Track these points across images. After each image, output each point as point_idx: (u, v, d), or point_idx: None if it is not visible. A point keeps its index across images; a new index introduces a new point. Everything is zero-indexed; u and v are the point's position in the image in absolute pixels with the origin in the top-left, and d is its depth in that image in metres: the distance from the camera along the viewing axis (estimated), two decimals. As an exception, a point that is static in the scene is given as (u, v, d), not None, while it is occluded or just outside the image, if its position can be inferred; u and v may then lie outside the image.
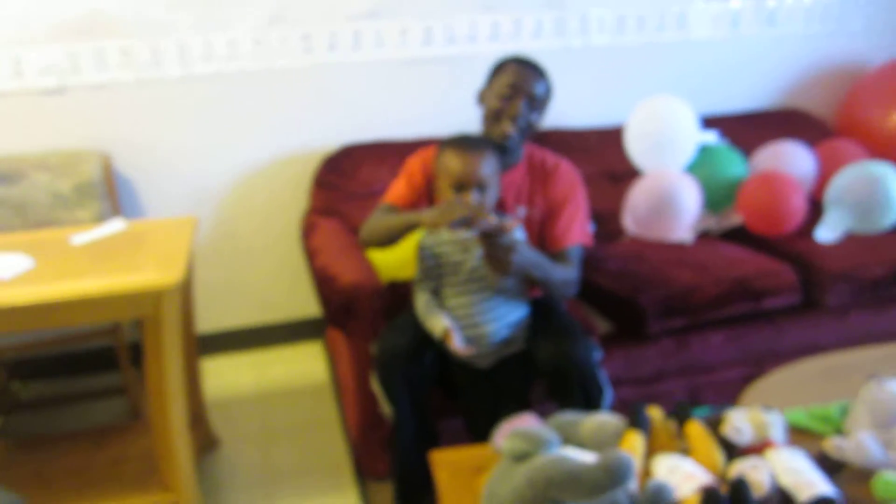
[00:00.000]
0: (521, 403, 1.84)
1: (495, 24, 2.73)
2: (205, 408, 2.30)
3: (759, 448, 1.32)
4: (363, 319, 1.96)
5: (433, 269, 1.86)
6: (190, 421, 2.03)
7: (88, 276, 1.73)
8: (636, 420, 1.34)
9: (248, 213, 2.75)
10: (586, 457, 1.20)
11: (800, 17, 2.99)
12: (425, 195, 1.95)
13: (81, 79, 2.47)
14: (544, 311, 1.92)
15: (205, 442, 2.27)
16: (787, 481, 1.21)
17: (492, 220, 1.63)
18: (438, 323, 1.79)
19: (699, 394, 2.26)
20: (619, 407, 1.72)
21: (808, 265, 2.33)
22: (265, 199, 2.75)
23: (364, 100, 2.72)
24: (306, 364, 2.79)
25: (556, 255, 1.90)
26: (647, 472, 1.29)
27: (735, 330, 2.25)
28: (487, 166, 1.78)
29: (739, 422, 1.33)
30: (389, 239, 1.85)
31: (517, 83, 1.86)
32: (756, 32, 2.97)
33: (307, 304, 2.86)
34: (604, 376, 1.82)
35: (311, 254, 2.26)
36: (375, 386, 1.84)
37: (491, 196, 1.79)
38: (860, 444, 1.30)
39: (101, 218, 2.43)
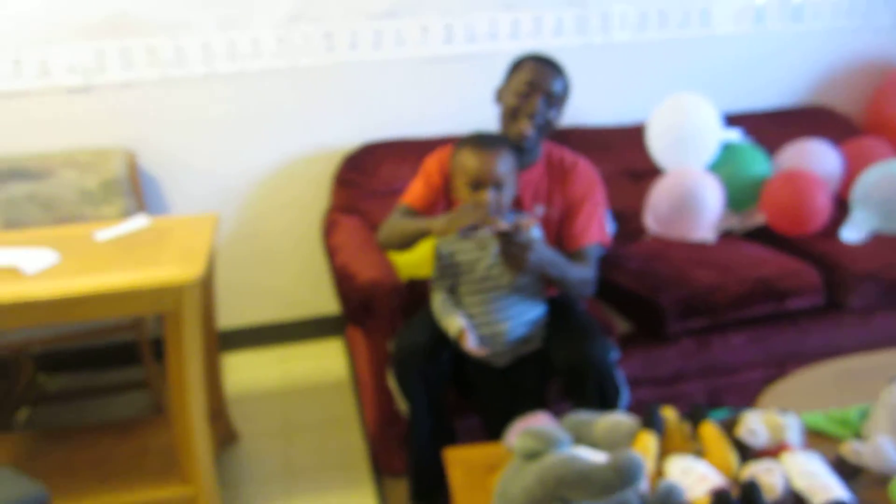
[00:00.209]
0: (536, 402, 1.84)
1: (516, 22, 2.72)
2: (225, 402, 2.32)
3: (774, 451, 1.31)
4: (381, 317, 1.98)
5: (449, 268, 1.87)
6: (210, 415, 2.06)
7: (111, 272, 1.76)
8: (650, 421, 1.33)
9: (270, 210, 2.78)
10: (598, 456, 1.20)
11: (826, 12, 2.94)
12: (443, 195, 1.96)
13: (107, 77, 2.51)
14: (562, 310, 1.91)
15: (225, 436, 2.29)
16: (802, 485, 1.20)
17: (500, 224, 1.63)
18: (453, 322, 1.79)
19: (720, 395, 2.24)
20: (638, 408, 1.70)
21: (833, 266, 2.29)
22: (288, 196, 2.77)
23: (385, 98, 2.73)
24: (327, 360, 2.81)
25: (574, 254, 1.89)
26: (659, 473, 1.29)
27: (757, 331, 2.22)
28: (503, 164, 1.77)
29: (754, 424, 1.32)
30: (404, 244, 1.89)
31: (534, 80, 1.86)
32: (781, 28, 2.93)
33: (329, 301, 2.88)
34: (621, 376, 1.81)
35: (331, 251, 2.28)
36: (392, 383, 1.85)
37: (507, 194, 1.79)
38: (878, 448, 1.28)
39: (126, 214, 2.47)
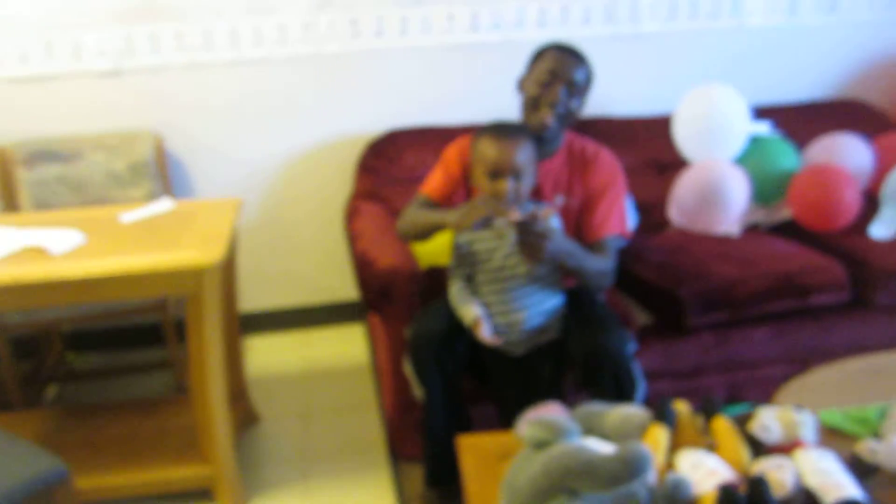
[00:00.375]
0: (552, 392, 1.84)
1: (543, 10, 2.70)
2: (246, 384, 2.36)
3: (787, 448, 1.29)
4: (399, 304, 1.99)
5: (467, 257, 1.87)
6: (231, 397, 2.09)
7: (134, 253, 1.79)
8: (661, 414, 1.32)
9: (295, 196, 2.80)
10: (606, 448, 1.20)
11: (863, 4, 2.87)
12: (462, 185, 1.96)
13: (136, 62, 2.55)
14: (580, 300, 1.90)
15: (245, 418, 2.33)
16: (814, 482, 1.19)
17: (517, 214, 1.62)
18: (469, 312, 1.80)
19: (740, 390, 2.22)
20: (656, 400, 1.69)
21: (860, 262, 2.25)
22: (312, 182, 2.79)
23: (410, 85, 2.73)
24: (348, 346, 2.84)
25: (593, 245, 1.88)
26: (670, 467, 1.28)
27: (779, 326, 2.20)
28: (523, 154, 1.77)
29: (768, 420, 1.31)
30: (421, 235, 1.91)
31: (556, 69, 1.84)
32: (815, 20, 2.87)
33: (352, 287, 2.91)
34: (638, 369, 1.81)
35: (352, 238, 2.30)
36: (407, 369, 1.86)
37: (526, 184, 1.78)
38: (894, 447, 1.26)
39: (152, 197, 2.51)
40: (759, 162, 2.49)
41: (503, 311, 1.82)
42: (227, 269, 2.13)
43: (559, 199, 1.92)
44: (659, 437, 1.29)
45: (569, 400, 1.74)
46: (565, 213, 1.91)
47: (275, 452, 2.24)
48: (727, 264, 2.20)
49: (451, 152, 1.99)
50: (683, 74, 2.82)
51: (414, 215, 1.94)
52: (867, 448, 1.29)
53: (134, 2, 2.47)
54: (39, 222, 2.01)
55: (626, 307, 2.13)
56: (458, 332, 1.83)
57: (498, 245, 1.83)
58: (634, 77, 2.84)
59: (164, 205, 2.12)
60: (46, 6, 2.44)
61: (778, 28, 2.86)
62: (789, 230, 2.46)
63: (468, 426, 1.93)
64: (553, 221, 1.82)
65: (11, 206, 2.49)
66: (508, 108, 1.99)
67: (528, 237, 1.64)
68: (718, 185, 2.39)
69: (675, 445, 1.32)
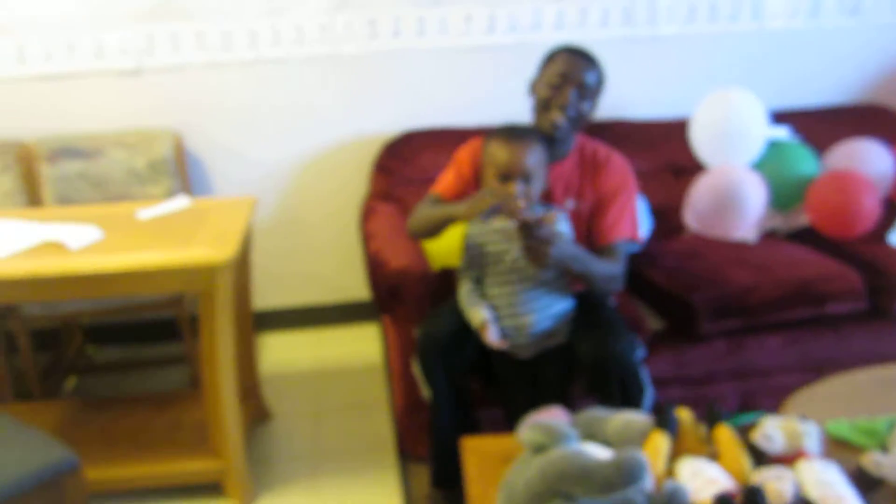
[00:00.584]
0: (559, 397, 1.83)
1: (560, 13, 2.70)
2: (259, 381, 2.38)
3: (790, 458, 1.28)
4: (409, 304, 2.00)
5: (477, 259, 1.87)
6: (243, 393, 2.12)
7: (149, 249, 1.83)
8: (663, 421, 1.32)
9: (312, 195, 2.82)
10: (604, 453, 1.20)
11: (886, 6, 2.82)
12: (473, 186, 1.96)
13: (157, 61, 2.58)
14: (589, 305, 1.90)
15: (257, 414, 2.35)
16: (815, 494, 1.17)
17: (522, 203, 1.62)
18: (477, 314, 1.80)
19: (753, 399, 2.20)
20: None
21: (878, 270, 2.22)
22: (329, 182, 2.81)
23: (427, 86, 2.74)
24: (362, 345, 2.85)
25: (603, 249, 1.88)
26: (670, 474, 1.28)
27: (794, 334, 2.17)
28: (533, 157, 1.77)
29: (771, 430, 1.30)
30: (432, 231, 1.90)
31: (567, 72, 1.84)
32: (838, 23, 2.83)
33: (366, 287, 2.90)
34: (646, 375, 1.80)
35: (366, 238, 2.31)
36: (416, 370, 1.87)
37: (536, 187, 1.78)
38: (899, 460, 1.24)
39: (171, 194, 2.55)
40: (777, 167, 2.46)
41: (511, 314, 1.82)
42: (241, 266, 2.16)
43: (570, 203, 1.92)
44: (659, 444, 1.29)
45: (576, 404, 1.74)
46: (576, 216, 1.91)
47: (285, 449, 2.27)
48: (742, 271, 2.18)
49: (464, 153, 1.99)
50: (702, 78, 2.80)
51: (424, 211, 1.94)
52: (872, 460, 1.27)
53: (155, 2, 2.51)
54: (59, 217, 2.05)
55: (638, 312, 2.12)
56: (467, 334, 1.84)
57: (508, 248, 1.83)
58: (652, 80, 2.83)
59: (180, 202, 2.15)
60: (70, 6, 2.48)
61: (799, 31, 2.82)
62: (807, 237, 2.43)
63: (475, 428, 1.93)
64: (562, 226, 1.82)
65: (34, 200, 2.54)
66: (525, 110, 1.99)
67: (532, 241, 1.64)
68: (735, 191, 2.37)
69: (676, 453, 1.32)
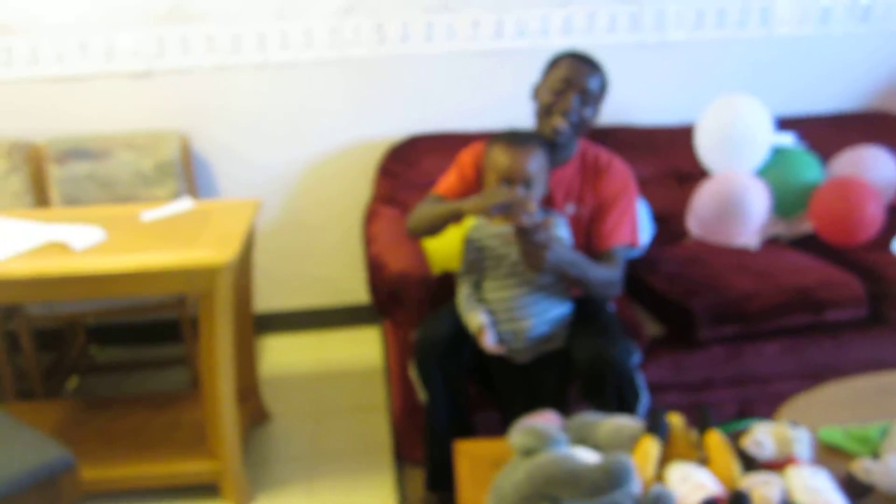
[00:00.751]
0: (555, 401, 1.83)
1: (568, 18, 2.70)
2: (259, 383, 2.40)
3: (780, 464, 1.28)
4: (408, 308, 2.00)
5: (476, 262, 1.88)
6: (242, 395, 2.13)
7: (150, 251, 1.84)
8: (654, 426, 1.32)
9: (317, 199, 2.84)
10: (593, 458, 1.20)
11: (896, 14, 2.82)
12: (475, 189, 1.96)
13: (166, 63, 2.61)
14: (587, 310, 1.90)
15: (256, 416, 2.37)
16: (803, 500, 1.17)
17: (531, 208, 1.62)
18: (475, 319, 1.81)
19: (751, 405, 2.19)
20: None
21: (880, 278, 2.20)
22: (335, 186, 2.83)
23: (434, 91, 2.75)
24: (363, 348, 2.86)
25: (602, 254, 1.88)
26: (659, 479, 1.27)
27: (793, 341, 2.16)
28: (535, 162, 1.77)
29: (761, 436, 1.29)
30: (434, 227, 1.89)
31: (570, 77, 1.84)
32: (847, 30, 2.81)
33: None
34: (641, 380, 1.79)
35: (368, 241, 2.32)
36: (412, 373, 1.88)
37: (537, 192, 1.79)
38: (889, 467, 1.23)
39: (177, 196, 2.57)
40: (781, 173, 2.45)
41: (509, 318, 1.83)
42: (243, 268, 2.18)
43: (570, 208, 1.92)
44: (649, 449, 1.29)
45: (573, 409, 1.73)
46: (576, 221, 1.91)
47: (283, 451, 2.28)
48: (742, 277, 2.17)
49: (467, 156, 2.00)
50: (709, 84, 2.80)
51: (427, 208, 1.92)
52: (862, 467, 1.27)
53: (166, 5, 2.54)
54: (64, 218, 2.07)
55: (637, 318, 2.12)
56: (464, 338, 1.84)
57: (507, 252, 1.83)
58: (659, 86, 2.82)
59: (184, 204, 2.18)
60: (83, 9, 2.51)
61: (807, 37, 2.81)
62: (810, 244, 2.42)
63: (471, 432, 1.93)
64: (561, 231, 1.82)
65: (42, 201, 2.57)
66: (531, 115, 2.00)
67: (529, 247, 1.65)
68: (738, 197, 2.36)
69: (667, 458, 1.32)
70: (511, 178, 1.76)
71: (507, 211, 1.64)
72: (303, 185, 2.81)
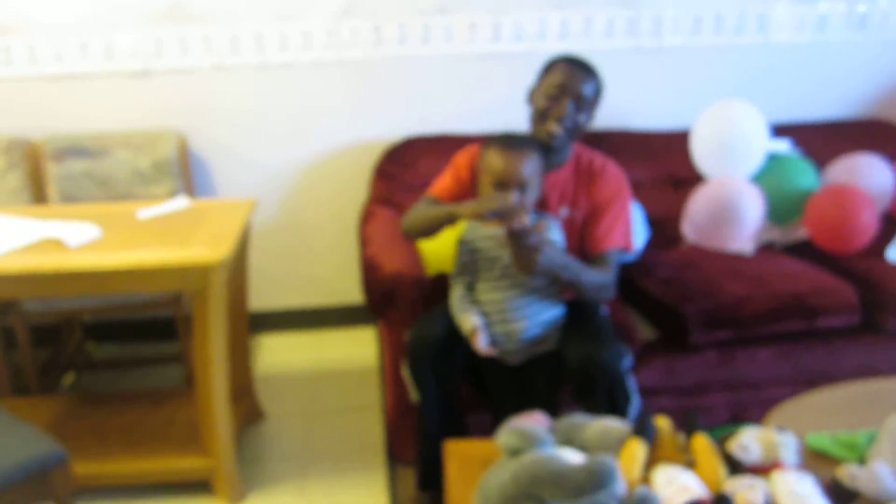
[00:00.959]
0: (546, 403, 1.84)
1: (565, 22, 2.71)
2: (253, 381, 2.40)
3: (766, 469, 1.28)
4: (402, 309, 2.01)
5: (469, 264, 1.89)
6: (236, 393, 2.14)
7: (145, 249, 1.85)
8: (641, 428, 1.33)
9: (314, 199, 2.85)
10: (578, 458, 1.21)
11: (894, 22, 2.81)
12: (470, 191, 1.96)
13: (165, 63, 2.62)
14: (580, 313, 1.91)
15: (251, 414, 2.37)
16: (787, 504, 1.18)
17: (525, 219, 1.63)
18: (467, 320, 1.82)
19: (744, 410, 2.19)
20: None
21: (873, 285, 2.21)
22: (331, 186, 2.84)
23: (431, 93, 2.76)
24: (359, 348, 2.87)
25: (595, 258, 1.88)
26: (645, 481, 1.28)
27: (786, 347, 2.16)
28: (529, 166, 1.78)
29: (748, 440, 1.30)
30: (428, 229, 1.89)
31: (565, 83, 1.85)
32: (844, 37, 2.82)
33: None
34: (632, 384, 1.80)
35: (363, 242, 2.33)
36: (405, 373, 1.89)
37: (531, 196, 1.79)
38: (874, 473, 1.24)
39: (174, 195, 2.58)
40: (776, 180, 2.46)
41: (502, 319, 1.84)
42: (237, 267, 2.18)
43: (563, 211, 1.93)
44: (636, 451, 1.29)
45: (564, 411, 1.74)
46: (570, 224, 1.92)
47: (276, 449, 2.28)
48: (735, 282, 2.18)
49: (462, 158, 2.00)
50: (705, 90, 2.81)
51: (422, 210, 1.93)
52: (848, 473, 1.27)
53: (164, 5, 2.55)
54: (60, 215, 2.08)
55: (630, 321, 2.13)
56: (457, 339, 1.85)
57: (500, 254, 1.84)
58: (655, 91, 2.83)
59: (180, 203, 2.18)
60: (81, 8, 2.53)
61: (804, 44, 2.82)
62: (805, 250, 2.42)
63: (463, 432, 1.94)
64: (554, 234, 1.83)
65: (40, 198, 2.58)
66: (527, 119, 2.02)
67: (521, 250, 1.65)
68: (732, 203, 2.37)
69: (653, 460, 1.32)
70: (506, 182, 1.77)
71: (500, 217, 1.65)
72: (300, 186, 2.82)
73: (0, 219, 2.03)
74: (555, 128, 1.85)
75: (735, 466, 1.31)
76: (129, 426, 2.14)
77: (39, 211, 2.21)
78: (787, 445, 1.30)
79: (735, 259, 2.34)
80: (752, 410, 2.18)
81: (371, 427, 2.38)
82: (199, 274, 1.82)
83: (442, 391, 1.86)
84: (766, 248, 2.46)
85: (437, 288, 2.08)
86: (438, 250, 2.26)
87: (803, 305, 2.12)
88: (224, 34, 2.60)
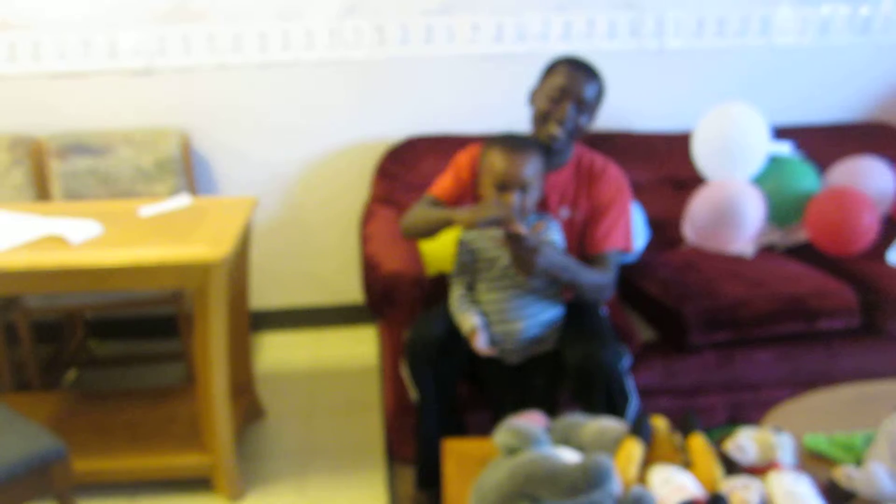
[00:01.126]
0: (545, 403, 1.84)
1: (567, 24, 2.72)
2: (254, 379, 2.41)
3: (763, 469, 1.29)
4: (401, 308, 2.02)
5: (469, 264, 1.89)
6: (237, 390, 2.15)
7: (146, 246, 1.86)
8: (637, 428, 1.33)
9: (316, 198, 2.86)
10: (574, 458, 1.21)
11: None
12: (470, 191, 1.97)
13: (168, 61, 2.63)
14: (580, 312, 1.91)
15: (251, 412, 2.38)
16: (782, 505, 1.18)
17: (520, 228, 1.63)
18: (467, 320, 1.82)
19: (743, 411, 2.20)
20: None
21: (874, 288, 2.21)
22: (333, 185, 2.85)
23: (433, 93, 2.77)
24: (360, 347, 2.88)
25: (594, 258, 1.89)
26: (642, 481, 1.28)
27: (785, 349, 2.17)
28: (531, 168, 1.78)
29: (744, 440, 1.31)
30: (426, 232, 1.90)
31: (566, 86, 1.85)
32: (847, 41, 2.82)
33: (366, 289, 2.95)
34: (631, 384, 1.80)
35: (364, 241, 2.34)
36: (404, 372, 1.89)
37: (532, 197, 1.80)
38: (871, 475, 1.24)
39: (177, 193, 2.59)
40: (777, 182, 2.46)
41: (501, 319, 1.84)
42: (239, 265, 2.19)
43: (563, 212, 1.93)
44: (632, 451, 1.30)
45: (563, 411, 1.74)
46: (570, 225, 1.92)
47: (276, 447, 2.29)
48: (735, 284, 2.18)
49: (463, 158, 2.01)
50: (707, 92, 2.81)
51: (421, 212, 1.93)
52: (844, 474, 1.28)
53: (168, 4, 2.56)
54: (63, 212, 2.09)
55: (629, 322, 2.13)
56: (457, 338, 1.85)
57: (500, 254, 1.85)
58: (657, 93, 2.84)
59: (181, 200, 2.19)
60: (85, 6, 2.54)
61: (806, 48, 2.82)
62: (806, 253, 2.42)
63: (461, 431, 1.95)
64: (554, 234, 1.84)
65: (43, 195, 2.59)
66: (529, 119, 2.02)
67: (520, 251, 1.66)
68: (733, 204, 2.37)
69: (650, 460, 1.33)
70: (507, 183, 1.77)
71: (496, 225, 1.66)
72: (302, 185, 2.83)
73: (3, 215, 2.04)
74: (556, 130, 1.85)
75: (732, 467, 1.31)
76: (130, 423, 2.15)
77: (42, 208, 2.22)
78: (784, 446, 1.30)
79: (735, 261, 2.35)
80: (750, 412, 2.18)
81: (371, 426, 2.39)
82: (199, 272, 1.82)
83: (441, 390, 1.86)
84: (766, 250, 2.47)
85: (437, 287, 2.09)
86: (438, 250, 2.27)
87: (803, 307, 2.12)
88: (227, 33, 2.61)
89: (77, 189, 2.59)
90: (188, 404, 2.22)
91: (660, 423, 1.37)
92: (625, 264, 2.19)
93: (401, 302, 2.00)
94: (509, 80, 2.73)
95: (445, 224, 1.85)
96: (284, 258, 2.91)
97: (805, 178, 2.47)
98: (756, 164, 2.48)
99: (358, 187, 2.83)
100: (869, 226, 2.31)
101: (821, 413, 1.64)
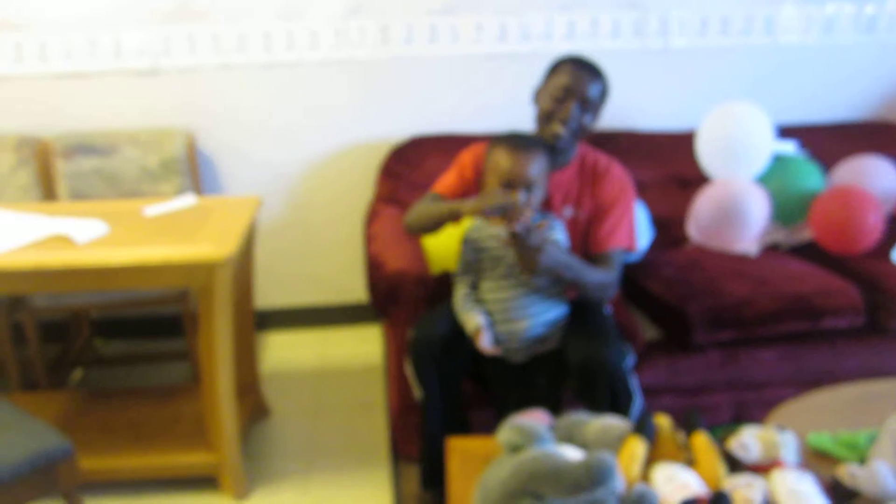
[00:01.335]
0: (549, 401, 1.85)
1: (571, 23, 2.72)
2: (259, 378, 2.42)
3: (766, 467, 1.29)
4: (405, 306, 2.02)
5: (473, 263, 1.90)
6: (241, 389, 2.16)
7: (151, 245, 1.87)
8: (641, 426, 1.33)
9: (320, 197, 2.86)
10: (578, 455, 1.22)
11: (900, 24, 2.82)
12: (474, 189, 1.98)
13: (173, 61, 2.64)
14: (584, 311, 1.91)
15: (256, 411, 2.39)
16: (786, 503, 1.18)
17: (526, 216, 1.64)
18: (471, 320, 1.82)
19: (747, 410, 2.20)
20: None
21: (878, 287, 2.21)
22: (338, 185, 2.85)
23: (437, 93, 2.77)
24: (364, 346, 2.89)
25: (598, 257, 1.89)
26: (645, 479, 1.29)
27: (790, 348, 2.17)
28: (536, 167, 1.78)
29: (748, 439, 1.31)
30: (431, 226, 1.90)
31: (571, 86, 1.85)
32: (851, 40, 2.82)
33: (370, 289, 2.96)
34: (635, 383, 1.81)
35: (368, 240, 2.34)
36: (408, 370, 1.90)
37: (537, 196, 1.80)
38: (874, 473, 1.24)
39: (182, 192, 2.60)
40: (781, 181, 2.46)
41: (505, 318, 1.84)
42: (243, 265, 2.20)
43: (567, 211, 1.94)
44: (636, 448, 1.30)
45: (567, 409, 1.75)
46: (574, 224, 1.93)
47: (281, 446, 2.30)
48: (739, 283, 2.18)
49: (467, 157, 2.01)
50: (712, 91, 2.81)
51: (425, 206, 1.93)
52: (848, 472, 1.28)
53: (172, 4, 2.57)
54: (68, 212, 2.10)
55: (633, 321, 2.13)
56: (461, 337, 1.86)
57: (504, 253, 1.85)
58: (662, 92, 2.84)
59: (186, 200, 2.20)
60: (90, 6, 2.55)
61: (811, 46, 2.82)
62: (810, 252, 2.42)
63: (466, 430, 1.95)
64: (558, 233, 1.84)
65: (49, 195, 2.60)
66: (533, 118, 2.03)
67: (523, 250, 1.66)
68: (737, 203, 2.37)
69: (653, 458, 1.33)
70: (512, 182, 1.77)
71: (503, 213, 1.66)
72: (306, 184, 2.84)
73: (9, 215, 2.06)
74: (560, 130, 1.85)
75: (735, 465, 1.31)
76: (136, 422, 2.16)
77: (48, 208, 2.23)
78: (788, 444, 1.30)
79: (740, 260, 2.35)
80: (754, 411, 2.18)
81: (375, 424, 2.40)
82: (204, 271, 1.83)
83: (445, 389, 1.87)
84: (770, 249, 2.46)
85: (441, 286, 2.10)
86: (443, 249, 2.27)
87: (808, 306, 2.12)
88: (232, 33, 2.62)
89: (83, 189, 2.60)
90: (193, 403, 2.23)
91: (663, 422, 1.38)
92: (629, 263, 2.19)
93: (405, 301, 2.01)
94: (513, 80, 2.74)
95: (451, 216, 1.85)
96: (289, 257, 2.92)
97: (809, 177, 2.47)
98: (760, 163, 2.48)
99: (362, 187, 2.83)
100: (873, 225, 2.31)
101: (824, 411, 1.64)
